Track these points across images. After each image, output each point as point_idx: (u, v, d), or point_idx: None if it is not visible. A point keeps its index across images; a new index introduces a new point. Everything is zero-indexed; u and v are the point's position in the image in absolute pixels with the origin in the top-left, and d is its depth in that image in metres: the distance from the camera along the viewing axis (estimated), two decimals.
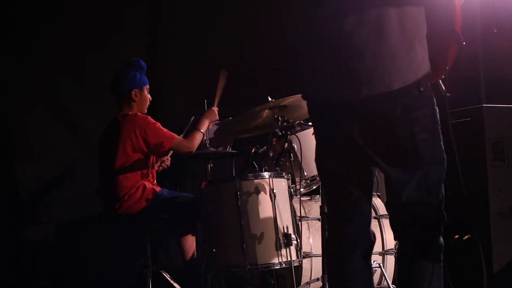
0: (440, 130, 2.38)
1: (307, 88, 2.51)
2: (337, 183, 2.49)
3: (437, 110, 2.38)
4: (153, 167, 4.23)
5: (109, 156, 4.09)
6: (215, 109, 4.39)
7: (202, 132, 4.26)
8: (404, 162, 2.34)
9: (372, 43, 2.29)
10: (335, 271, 2.53)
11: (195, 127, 4.30)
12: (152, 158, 4.21)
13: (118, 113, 4.20)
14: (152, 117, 4.18)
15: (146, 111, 4.25)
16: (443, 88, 2.48)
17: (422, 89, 2.32)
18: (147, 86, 4.25)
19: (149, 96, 4.27)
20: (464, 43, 2.37)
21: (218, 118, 4.38)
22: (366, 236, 2.49)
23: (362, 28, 2.30)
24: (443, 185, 2.40)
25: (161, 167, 4.48)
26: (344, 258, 2.48)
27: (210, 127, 4.40)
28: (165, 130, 4.14)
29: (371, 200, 2.53)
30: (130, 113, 4.16)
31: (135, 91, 4.19)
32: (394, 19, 2.30)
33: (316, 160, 2.56)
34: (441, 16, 2.40)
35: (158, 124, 4.13)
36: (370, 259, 2.52)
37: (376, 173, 2.52)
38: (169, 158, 4.53)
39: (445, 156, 2.39)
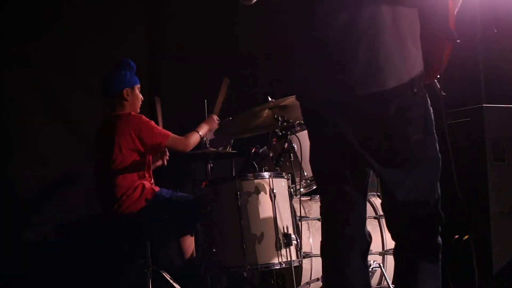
0: (434, 131, 2.37)
1: (301, 88, 2.50)
2: (332, 184, 2.49)
3: (431, 111, 2.37)
4: (149, 168, 4.23)
5: (105, 156, 4.09)
6: (215, 117, 4.42)
7: (199, 134, 4.28)
8: (398, 163, 2.33)
9: (366, 41, 2.28)
10: (332, 272, 2.52)
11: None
12: (148, 158, 4.21)
13: (111, 113, 4.20)
14: (152, 118, 4.18)
15: (138, 110, 4.26)
16: (439, 87, 2.45)
17: (415, 89, 2.30)
18: (138, 85, 4.26)
19: (141, 95, 4.27)
20: (458, 40, 2.35)
21: (217, 126, 4.40)
22: (362, 237, 2.49)
23: (356, 27, 2.28)
24: (438, 185, 2.39)
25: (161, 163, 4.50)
26: (341, 258, 2.47)
27: (208, 133, 4.41)
28: (159, 128, 4.17)
29: (366, 200, 2.52)
30: (123, 112, 4.16)
31: (127, 90, 4.19)
32: (387, 17, 2.28)
33: (311, 161, 2.55)
34: (434, 15, 2.38)
35: (152, 123, 4.15)
36: (366, 259, 2.52)
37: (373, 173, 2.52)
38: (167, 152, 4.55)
39: (439, 156, 2.37)
